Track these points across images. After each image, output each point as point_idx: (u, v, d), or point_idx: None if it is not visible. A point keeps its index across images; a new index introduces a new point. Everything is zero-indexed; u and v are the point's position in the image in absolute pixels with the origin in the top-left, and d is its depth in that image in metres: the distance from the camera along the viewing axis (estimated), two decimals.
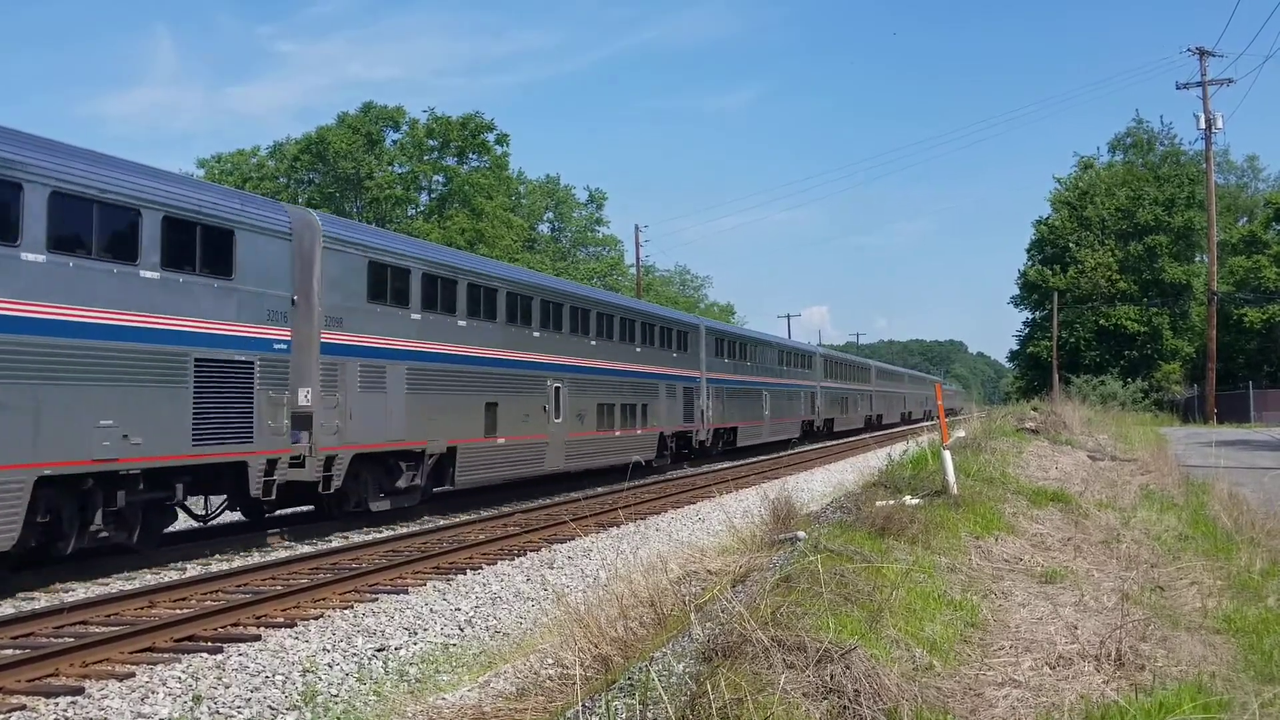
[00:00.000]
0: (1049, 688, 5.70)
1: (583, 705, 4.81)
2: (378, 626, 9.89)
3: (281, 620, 10.01)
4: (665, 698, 4.52)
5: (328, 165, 60.56)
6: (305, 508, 17.71)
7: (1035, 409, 35.34)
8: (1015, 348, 73.77)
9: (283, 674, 8.24)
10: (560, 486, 23.75)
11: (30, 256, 10.91)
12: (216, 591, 11.42)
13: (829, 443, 47.40)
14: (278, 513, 17.19)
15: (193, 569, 13.10)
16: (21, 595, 11.29)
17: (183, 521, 15.26)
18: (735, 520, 12.18)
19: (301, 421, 15.03)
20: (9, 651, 8.56)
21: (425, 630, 9.91)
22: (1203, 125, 47.94)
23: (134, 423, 12.01)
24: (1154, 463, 20.29)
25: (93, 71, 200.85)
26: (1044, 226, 67.12)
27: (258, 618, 10.08)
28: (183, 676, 8.04)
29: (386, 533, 16.53)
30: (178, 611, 10.27)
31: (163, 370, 12.53)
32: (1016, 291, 69.91)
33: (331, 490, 15.75)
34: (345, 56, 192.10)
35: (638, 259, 62.58)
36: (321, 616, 10.19)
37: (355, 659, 8.81)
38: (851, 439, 51.98)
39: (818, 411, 48.58)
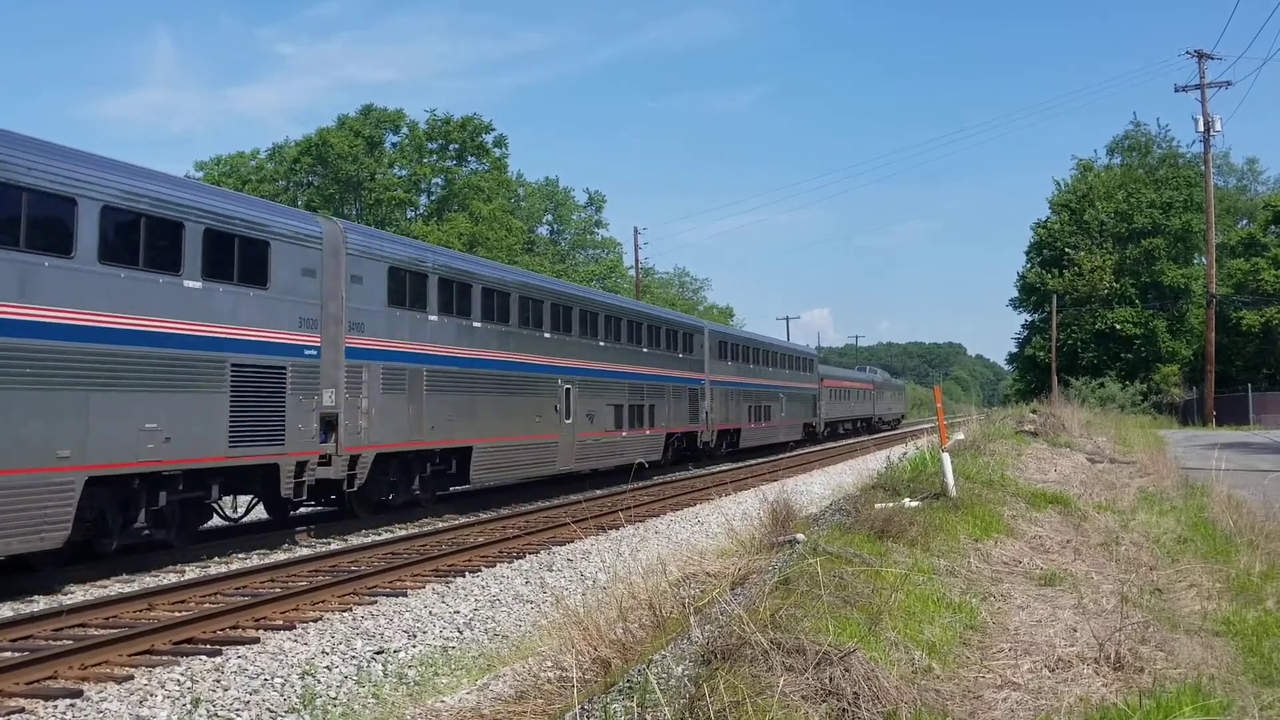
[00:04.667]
0: (1048, 690, 5.70)
1: (581, 708, 4.81)
2: (377, 629, 9.88)
3: (280, 623, 10.00)
4: (663, 700, 4.51)
5: (328, 167, 60.65)
6: None
7: (1034, 411, 35.31)
8: (1014, 350, 73.88)
9: (281, 676, 8.23)
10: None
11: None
12: (215, 594, 11.41)
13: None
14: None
15: (191, 571, 13.08)
16: (20, 597, 11.28)
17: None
18: (734, 523, 12.18)
19: None
20: (8, 654, 8.55)
21: (424, 633, 9.90)
22: (1201, 128, 47.98)
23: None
24: (1153, 465, 20.29)
25: (93, 73, 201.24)
26: (1042, 229, 67.18)
27: (256, 620, 10.07)
28: (181, 679, 8.03)
29: (385, 535, 16.52)
30: (176, 614, 10.26)
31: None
32: (1015, 294, 70.12)
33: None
34: (345, 58, 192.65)
35: (636, 261, 62.76)
36: (320, 619, 10.18)
37: (354, 661, 8.81)
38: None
39: (707, 418, 33.25)
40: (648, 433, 28.22)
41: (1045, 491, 14.31)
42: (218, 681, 8.02)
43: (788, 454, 39.70)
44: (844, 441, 52.78)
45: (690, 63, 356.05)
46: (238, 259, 14.02)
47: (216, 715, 7.34)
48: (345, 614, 10.44)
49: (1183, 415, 52.48)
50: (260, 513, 16.60)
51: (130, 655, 8.68)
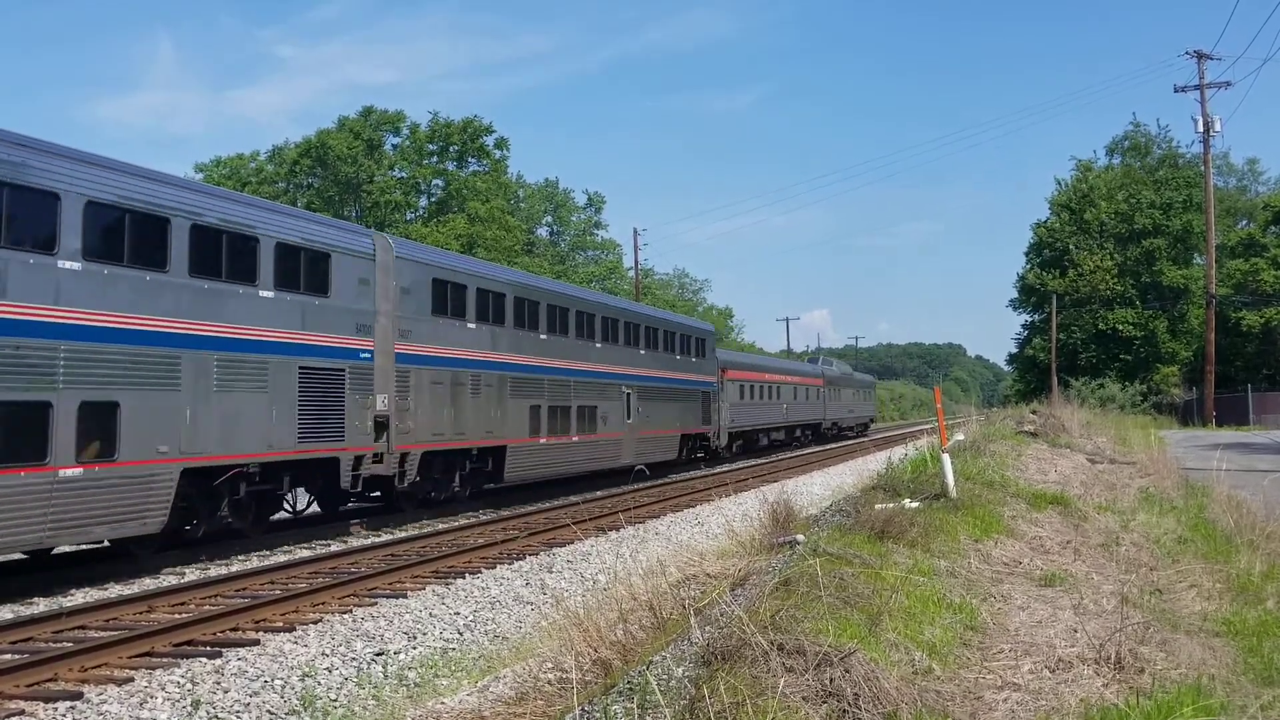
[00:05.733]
0: (1048, 691, 5.70)
1: (581, 709, 4.81)
2: (377, 631, 9.88)
3: (280, 625, 10.00)
4: (663, 701, 4.51)
5: (328, 169, 60.66)
6: None
7: (1034, 412, 35.28)
8: (1014, 351, 73.87)
9: (281, 678, 8.23)
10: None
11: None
12: (215, 596, 11.41)
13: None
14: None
15: (191, 573, 13.08)
16: (20, 599, 11.28)
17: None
18: (734, 524, 12.19)
19: None
20: (8, 656, 8.55)
21: (424, 634, 9.90)
22: (1201, 128, 47.96)
23: None
24: (1153, 465, 20.27)
25: (93, 73, 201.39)
26: (1043, 229, 67.16)
27: (256, 622, 10.07)
28: (181, 681, 8.03)
29: (385, 537, 16.52)
30: (176, 616, 10.26)
31: None
32: (1015, 294, 70.10)
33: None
34: (345, 59, 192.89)
35: (636, 262, 62.78)
36: (320, 621, 10.18)
37: (354, 663, 8.80)
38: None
39: (388, 432, 17.21)
40: (99, 468, 11.78)
41: (1045, 492, 14.31)
42: (218, 683, 8.01)
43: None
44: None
45: (690, 63, 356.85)
46: None
47: (217, 717, 7.34)
48: (345, 616, 10.43)
49: (1183, 416, 52.45)
50: None
51: (130, 657, 8.68)
